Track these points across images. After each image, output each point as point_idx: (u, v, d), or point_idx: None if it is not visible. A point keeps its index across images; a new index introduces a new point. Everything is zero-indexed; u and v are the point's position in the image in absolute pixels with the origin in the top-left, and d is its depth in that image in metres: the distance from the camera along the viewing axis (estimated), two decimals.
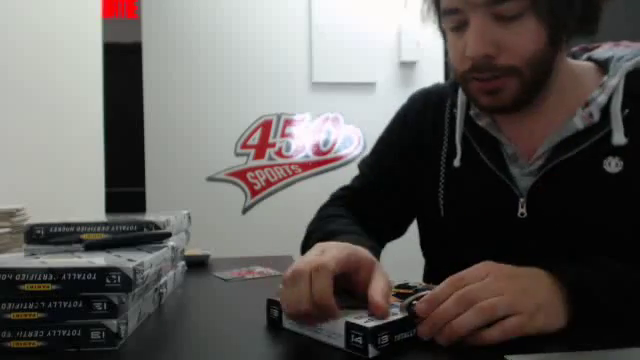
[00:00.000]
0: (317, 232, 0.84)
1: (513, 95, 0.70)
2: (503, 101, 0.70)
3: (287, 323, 0.60)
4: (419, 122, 0.88)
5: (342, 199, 0.95)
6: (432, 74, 2.73)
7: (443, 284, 0.57)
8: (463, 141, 0.80)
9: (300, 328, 0.58)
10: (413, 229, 0.93)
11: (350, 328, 0.51)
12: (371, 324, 0.51)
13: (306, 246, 0.87)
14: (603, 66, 0.75)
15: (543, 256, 0.66)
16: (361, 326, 0.50)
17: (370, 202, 0.91)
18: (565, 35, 0.70)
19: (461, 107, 0.81)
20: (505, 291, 0.55)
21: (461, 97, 0.82)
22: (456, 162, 0.80)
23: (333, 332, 0.53)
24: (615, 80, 0.71)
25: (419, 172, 0.86)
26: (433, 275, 0.90)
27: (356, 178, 0.96)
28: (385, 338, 0.51)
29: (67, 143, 1.63)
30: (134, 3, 2.59)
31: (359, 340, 0.50)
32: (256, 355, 0.55)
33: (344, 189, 0.97)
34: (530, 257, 0.63)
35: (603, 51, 0.78)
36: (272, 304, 0.62)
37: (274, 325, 0.61)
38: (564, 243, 0.71)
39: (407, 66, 2.76)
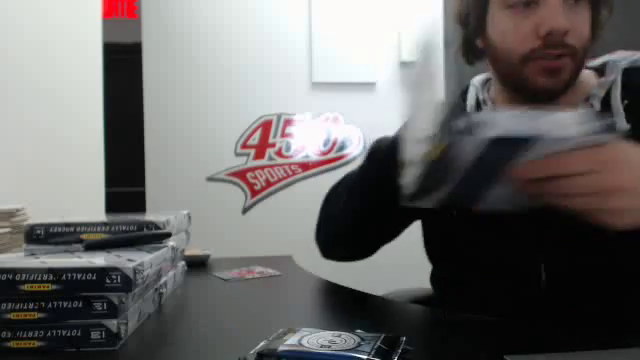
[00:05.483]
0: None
1: (568, 78, 0.74)
2: (560, 82, 0.74)
3: None
4: None
5: None
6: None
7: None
8: None
9: None
10: (411, 232, 0.93)
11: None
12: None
13: (331, 203, 0.91)
14: (600, 70, 0.80)
15: (559, 245, 0.67)
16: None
17: None
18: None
19: (471, 109, 0.85)
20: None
21: (471, 102, 0.86)
22: None
23: None
24: (612, 76, 0.76)
25: None
26: (441, 278, 0.90)
27: None
28: None
29: (67, 143, 1.63)
30: (134, 3, 2.58)
31: None
32: None
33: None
34: (547, 248, 0.63)
35: (599, 58, 0.83)
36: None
37: None
38: (579, 229, 0.70)
39: (407, 66, 2.76)
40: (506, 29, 0.74)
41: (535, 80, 0.74)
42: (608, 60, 0.80)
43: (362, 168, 0.88)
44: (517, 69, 0.75)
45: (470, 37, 0.84)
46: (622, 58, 0.79)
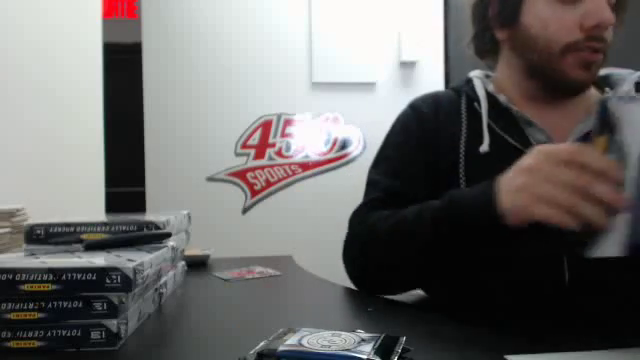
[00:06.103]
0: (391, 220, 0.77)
1: (595, 74, 0.77)
2: (591, 77, 0.76)
3: None
4: (432, 121, 0.87)
5: (376, 208, 0.84)
6: (432, 74, 2.73)
7: None
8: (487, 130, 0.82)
9: None
10: None
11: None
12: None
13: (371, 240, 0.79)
14: (599, 82, 0.83)
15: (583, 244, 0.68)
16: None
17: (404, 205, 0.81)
18: None
19: (484, 99, 0.83)
20: None
21: (481, 92, 0.85)
22: (484, 147, 0.79)
23: None
24: (627, 86, 0.78)
25: (435, 169, 0.84)
26: (442, 278, 0.89)
27: (372, 190, 0.88)
28: None
29: (67, 143, 1.63)
30: (134, 3, 2.58)
31: None
32: None
33: (367, 203, 0.86)
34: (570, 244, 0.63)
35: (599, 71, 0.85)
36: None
37: None
38: None
39: (407, 66, 2.76)
40: (549, 19, 0.75)
41: (571, 72, 0.75)
42: (611, 73, 0.82)
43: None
44: (554, 60, 0.76)
45: (487, 28, 0.84)
46: (628, 72, 0.81)
